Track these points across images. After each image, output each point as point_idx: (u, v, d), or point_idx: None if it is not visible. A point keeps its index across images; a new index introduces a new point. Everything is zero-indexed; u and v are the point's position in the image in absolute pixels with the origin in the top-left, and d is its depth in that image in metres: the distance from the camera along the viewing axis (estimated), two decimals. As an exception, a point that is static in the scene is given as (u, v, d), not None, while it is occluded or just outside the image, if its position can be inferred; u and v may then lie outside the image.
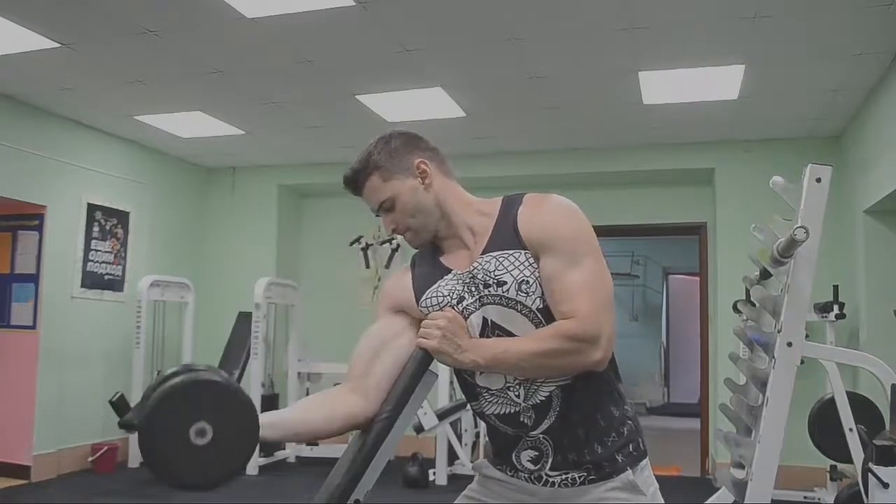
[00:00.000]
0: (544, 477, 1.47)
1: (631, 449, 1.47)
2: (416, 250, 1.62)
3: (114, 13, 3.84)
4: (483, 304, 1.45)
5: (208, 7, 3.73)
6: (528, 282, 1.41)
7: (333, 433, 1.47)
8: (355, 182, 1.54)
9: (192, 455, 1.27)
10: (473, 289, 1.46)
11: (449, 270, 1.51)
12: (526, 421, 1.46)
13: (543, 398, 1.44)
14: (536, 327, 1.41)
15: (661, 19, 3.83)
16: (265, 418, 1.36)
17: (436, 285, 1.52)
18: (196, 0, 3.68)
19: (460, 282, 1.49)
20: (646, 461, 1.50)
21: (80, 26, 4.02)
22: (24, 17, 3.90)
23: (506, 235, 1.45)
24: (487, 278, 1.44)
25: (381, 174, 1.51)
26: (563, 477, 1.46)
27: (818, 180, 2.09)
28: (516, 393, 1.45)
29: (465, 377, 1.53)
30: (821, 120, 5.39)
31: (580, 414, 1.44)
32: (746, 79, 4.60)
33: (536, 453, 1.47)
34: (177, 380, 1.30)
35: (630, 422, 1.50)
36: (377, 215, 1.56)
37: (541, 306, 1.41)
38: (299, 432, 1.47)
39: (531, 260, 1.42)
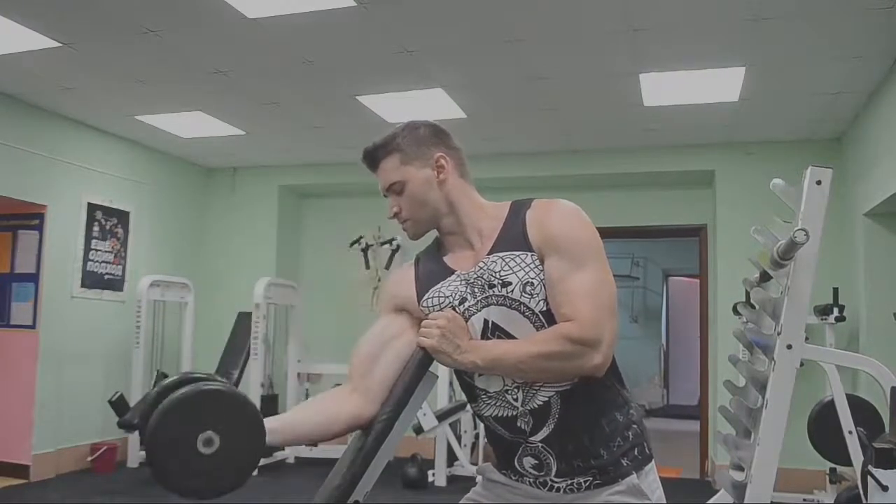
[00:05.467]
0: (549, 482, 1.47)
1: (636, 453, 1.47)
2: (419, 248, 1.62)
3: (115, 13, 3.84)
4: (486, 305, 1.45)
5: (209, 7, 3.73)
6: (532, 284, 1.41)
7: (336, 435, 1.48)
8: (374, 156, 1.55)
9: (199, 464, 1.26)
10: (477, 289, 1.46)
11: (452, 271, 1.52)
12: (523, 426, 1.46)
13: (541, 403, 1.43)
14: (538, 330, 1.41)
15: (662, 21, 3.83)
16: (268, 424, 1.35)
17: (438, 285, 1.52)
18: (196, 0, 3.68)
19: (464, 282, 1.49)
20: (651, 465, 1.50)
21: (81, 26, 4.02)
22: (24, 16, 3.90)
23: (513, 237, 1.46)
24: (493, 278, 1.44)
25: (401, 157, 1.52)
26: (569, 482, 1.46)
27: (818, 182, 2.08)
28: (514, 396, 1.45)
29: (464, 378, 1.53)
30: (821, 122, 5.39)
31: (582, 420, 1.44)
32: (747, 81, 4.60)
33: (537, 462, 1.47)
34: (183, 390, 1.28)
35: (635, 426, 1.49)
36: (385, 195, 1.57)
37: (544, 309, 1.41)
38: (301, 435, 1.46)
39: (537, 262, 1.42)
